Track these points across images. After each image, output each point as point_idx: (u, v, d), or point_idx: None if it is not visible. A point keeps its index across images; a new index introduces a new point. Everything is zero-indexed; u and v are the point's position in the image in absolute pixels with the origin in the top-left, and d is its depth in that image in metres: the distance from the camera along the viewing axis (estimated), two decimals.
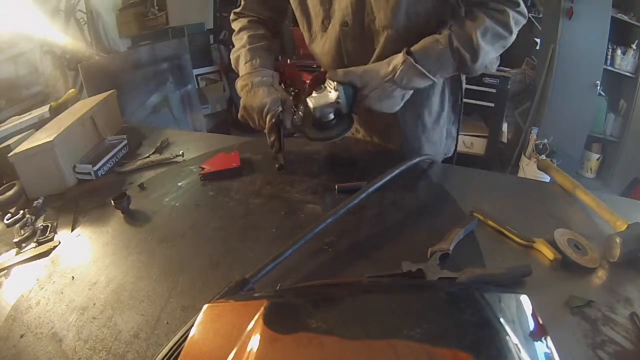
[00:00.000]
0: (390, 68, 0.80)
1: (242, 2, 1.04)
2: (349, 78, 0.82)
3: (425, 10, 0.82)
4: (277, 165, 0.89)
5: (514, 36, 0.80)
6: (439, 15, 0.84)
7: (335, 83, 0.82)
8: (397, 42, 0.83)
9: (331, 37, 0.92)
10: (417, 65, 0.78)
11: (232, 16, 1.06)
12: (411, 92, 0.84)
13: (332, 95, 0.83)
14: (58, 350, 0.54)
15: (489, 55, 0.80)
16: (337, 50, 0.93)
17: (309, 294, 0.47)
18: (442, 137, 1.06)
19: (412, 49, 0.80)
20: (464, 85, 1.06)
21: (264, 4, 1.03)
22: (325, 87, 0.85)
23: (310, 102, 0.84)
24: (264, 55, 0.94)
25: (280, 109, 0.85)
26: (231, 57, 1.00)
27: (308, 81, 0.95)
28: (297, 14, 0.97)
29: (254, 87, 0.88)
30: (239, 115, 0.92)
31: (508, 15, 0.77)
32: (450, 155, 1.11)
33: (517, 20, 0.78)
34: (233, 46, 1.01)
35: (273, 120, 0.85)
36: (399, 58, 0.80)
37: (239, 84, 0.93)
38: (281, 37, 1.10)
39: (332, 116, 0.85)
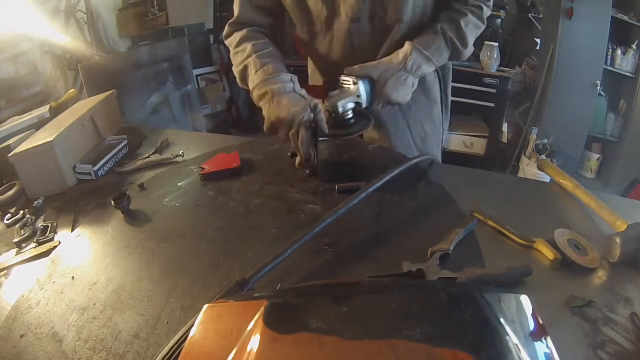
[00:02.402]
0: (401, 57, 0.87)
1: (237, 12, 0.96)
2: (366, 71, 0.86)
3: (425, 2, 0.91)
4: (307, 172, 0.87)
5: (484, 25, 0.95)
6: (435, 6, 0.94)
7: (353, 78, 0.86)
8: (404, 33, 0.91)
9: (339, 34, 0.93)
10: (423, 51, 0.88)
11: (226, 30, 0.98)
12: (417, 80, 0.91)
13: (353, 88, 0.86)
14: (58, 350, 0.54)
15: (471, 42, 0.94)
16: (346, 46, 0.94)
17: (309, 294, 0.47)
18: (439, 113, 1.10)
19: (414, 41, 0.89)
20: (450, 78, 1.13)
21: (259, 9, 0.96)
22: (342, 85, 0.87)
23: (331, 100, 0.85)
24: (275, 61, 0.88)
25: (311, 116, 0.79)
26: (235, 71, 0.93)
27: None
28: (295, 14, 0.94)
29: (275, 95, 0.82)
30: (265, 129, 0.85)
31: (482, 10, 0.92)
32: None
33: (486, 13, 0.94)
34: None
35: (307, 130, 0.79)
36: (406, 47, 0.88)
37: (255, 93, 0.86)
38: (282, 43, 1.04)
39: (351, 114, 0.87)
